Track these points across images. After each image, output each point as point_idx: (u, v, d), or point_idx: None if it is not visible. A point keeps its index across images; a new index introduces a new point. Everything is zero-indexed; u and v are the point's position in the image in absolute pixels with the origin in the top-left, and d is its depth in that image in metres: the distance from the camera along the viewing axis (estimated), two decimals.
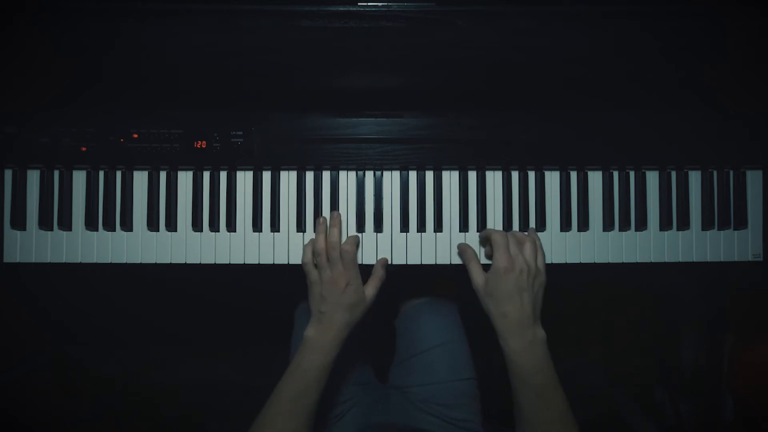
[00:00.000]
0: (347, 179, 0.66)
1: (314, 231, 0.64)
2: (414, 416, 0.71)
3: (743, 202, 0.65)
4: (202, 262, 0.64)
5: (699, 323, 1.07)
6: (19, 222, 0.63)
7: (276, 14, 0.58)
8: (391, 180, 0.66)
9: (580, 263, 0.65)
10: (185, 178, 0.65)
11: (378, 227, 0.65)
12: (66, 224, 0.64)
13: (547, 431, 0.52)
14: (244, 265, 0.65)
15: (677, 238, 0.65)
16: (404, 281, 0.81)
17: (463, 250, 0.62)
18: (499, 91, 0.64)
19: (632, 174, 0.66)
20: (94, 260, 0.64)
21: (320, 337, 0.58)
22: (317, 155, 0.63)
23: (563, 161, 0.65)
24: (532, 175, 0.66)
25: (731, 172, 0.66)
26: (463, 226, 0.65)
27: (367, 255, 0.64)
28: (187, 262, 0.64)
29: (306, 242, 0.64)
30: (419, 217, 0.65)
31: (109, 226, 0.64)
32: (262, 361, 1.15)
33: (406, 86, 0.64)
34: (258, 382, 1.12)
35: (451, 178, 0.66)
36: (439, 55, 0.61)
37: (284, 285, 0.77)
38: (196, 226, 0.64)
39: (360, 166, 0.65)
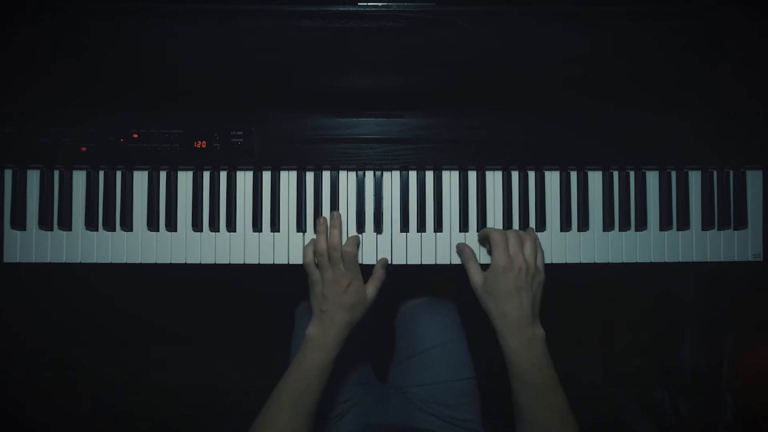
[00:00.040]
0: (347, 179, 0.66)
1: (314, 231, 0.64)
2: (414, 416, 0.71)
3: (743, 202, 0.65)
4: (202, 262, 0.64)
5: (699, 323, 1.07)
6: (19, 222, 0.63)
7: (276, 14, 0.58)
8: (391, 180, 0.66)
9: (580, 263, 0.65)
10: (185, 178, 0.65)
11: (378, 227, 0.65)
12: (66, 224, 0.64)
13: (547, 430, 0.52)
14: (244, 265, 0.65)
15: (677, 238, 0.65)
16: (404, 281, 0.81)
17: (461, 249, 0.62)
18: (499, 91, 0.64)
19: (632, 174, 0.66)
20: (94, 260, 0.64)
21: (321, 336, 0.58)
22: (317, 155, 0.63)
23: (563, 161, 0.65)
24: (532, 175, 0.66)
25: (731, 172, 0.66)
26: (463, 226, 0.65)
27: (367, 255, 0.64)
28: (187, 262, 0.64)
29: (306, 242, 0.64)
30: (419, 217, 0.65)
31: (109, 226, 0.64)
32: (262, 361, 1.15)
33: (406, 86, 0.64)
34: (258, 382, 1.12)
35: (451, 178, 0.66)
36: (439, 55, 0.61)
37: (284, 285, 0.77)
38: (196, 226, 0.64)
39: (360, 166, 0.65)
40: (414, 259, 0.65)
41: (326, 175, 0.65)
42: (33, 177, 0.64)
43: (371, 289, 0.62)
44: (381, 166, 0.65)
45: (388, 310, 0.83)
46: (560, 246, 0.65)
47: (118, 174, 0.65)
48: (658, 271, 1.12)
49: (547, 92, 0.65)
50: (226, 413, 1.14)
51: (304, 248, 0.62)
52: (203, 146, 0.63)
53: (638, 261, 0.65)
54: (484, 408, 0.73)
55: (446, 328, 0.77)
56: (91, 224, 0.64)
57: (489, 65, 0.62)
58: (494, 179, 0.66)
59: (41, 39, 0.59)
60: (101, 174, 0.65)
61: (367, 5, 0.58)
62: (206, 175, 0.65)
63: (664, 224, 0.65)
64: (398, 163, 0.64)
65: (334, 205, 0.65)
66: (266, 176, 0.65)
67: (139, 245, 0.64)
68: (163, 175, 0.65)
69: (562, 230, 0.65)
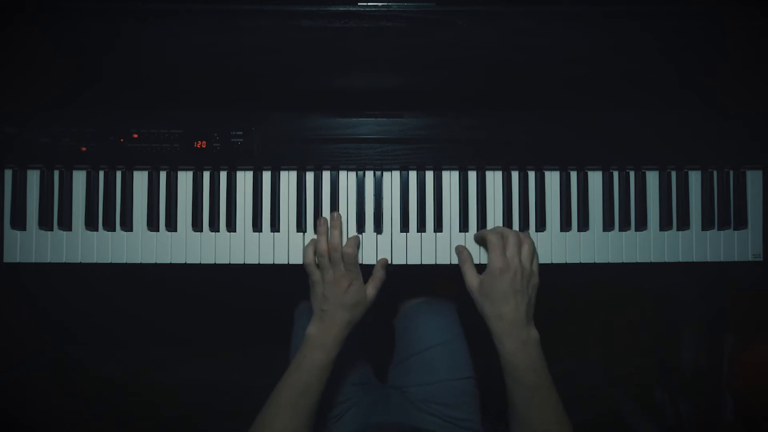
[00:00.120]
0: (347, 179, 0.66)
1: (315, 232, 0.64)
2: (414, 416, 0.71)
3: (743, 202, 0.65)
4: (202, 262, 0.64)
5: (699, 323, 1.07)
6: (19, 222, 0.63)
7: (276, 14, 0.58)
8: (391, 180, 0.66)
9: (580, 263, 0.65)
10: (185, 178, 0.65)
11: (378, 227, 0.65)
12: (66, 224, 0.64)
13: (542, 430, 0.53)
14: (244, 265, 0.65)
15: (677, 238, 0.65)
16: (404, 281, 0.81)
17: (459, 251, 0.63)
18: (499, 91, 0.64)
19: (632, 174, 0.66)
20: (94, 260, 0.64)
21: (322, 335, 0.58)
22: (317, 155, 0.63)
23: (563, 161, 0.65)
24: (532, 175, 0.66)
25: (731, 172, 0.66)
26: (463, 226, 0.65)
27: (367, 255, 0.64)
28: (187, 262, 0.64)
29: (306, 242, 0.64)
30: (419, 217, 0.65)
31: (109, 226, 0.64)
32: (262, 361, 1.15)
33: (406, 86, 0.65)
34: (258, 382, 1.12)
35: (451, 178, 0.66)
36: (439, 55, 0.61)
37: (284, 285, 0.77)
38: (196, 226, 0.64)
39: (360, 166, 0.65)
40: (414, 259, 0.65)
41: (326, 175, 0.65)
42: (33, 177, 0.64)
43: (371, 289, 0.62)
44: (381, 166, 0.65)
45: (388, 310, 0.84)
46: (560, 246, 0.65)
47: (118, 174, 0.65)
48: (658, 271, 1.12)
49: (547, 92, 0.65)
50: (226, 413, 1.14)
51: (305, 248, 0.62)
52: (203, 146, 0.63)
53: (638, 261, 0.65)
54: (483, 407, 0.73)
55: (446, 328, 0.77)
56: (91, 224, 0.64)
57: (489, 65, 0.62)
58: (494, 179, 0.66)
59: (41, 39, 0.59)
60: (101, 174, 0.65)
61: (367, 5, 0.58)
62: (206, 175, 0.65)
63: (664, 224, 0.65)
64: (398, 163, 0.64)
65: (334, 205, 0.65)
66: (266, 176, 0.65)
67: (139, 245, 0.64)
68: (163, 175, 0.65)
69: (562, 230, 0.65)
